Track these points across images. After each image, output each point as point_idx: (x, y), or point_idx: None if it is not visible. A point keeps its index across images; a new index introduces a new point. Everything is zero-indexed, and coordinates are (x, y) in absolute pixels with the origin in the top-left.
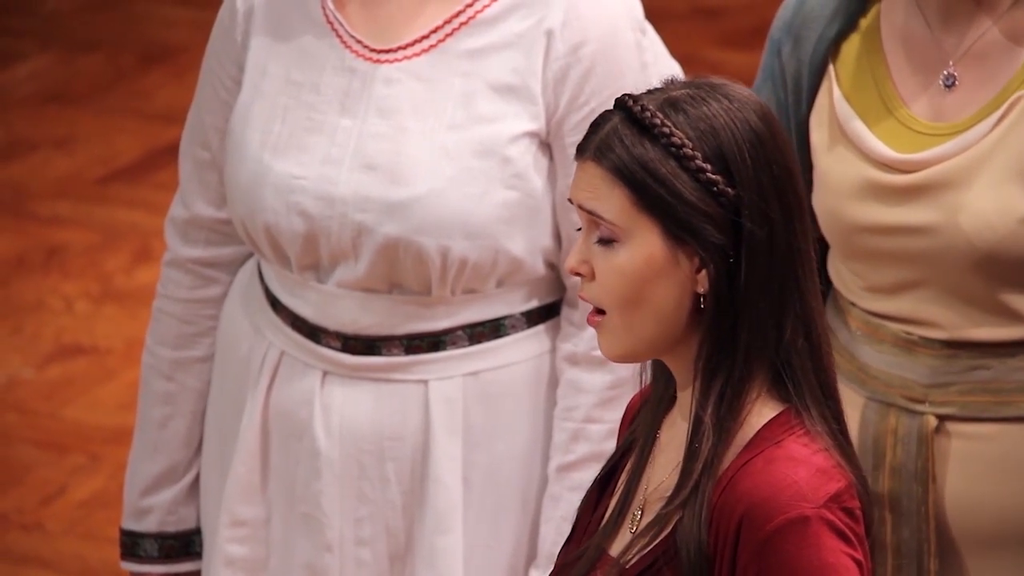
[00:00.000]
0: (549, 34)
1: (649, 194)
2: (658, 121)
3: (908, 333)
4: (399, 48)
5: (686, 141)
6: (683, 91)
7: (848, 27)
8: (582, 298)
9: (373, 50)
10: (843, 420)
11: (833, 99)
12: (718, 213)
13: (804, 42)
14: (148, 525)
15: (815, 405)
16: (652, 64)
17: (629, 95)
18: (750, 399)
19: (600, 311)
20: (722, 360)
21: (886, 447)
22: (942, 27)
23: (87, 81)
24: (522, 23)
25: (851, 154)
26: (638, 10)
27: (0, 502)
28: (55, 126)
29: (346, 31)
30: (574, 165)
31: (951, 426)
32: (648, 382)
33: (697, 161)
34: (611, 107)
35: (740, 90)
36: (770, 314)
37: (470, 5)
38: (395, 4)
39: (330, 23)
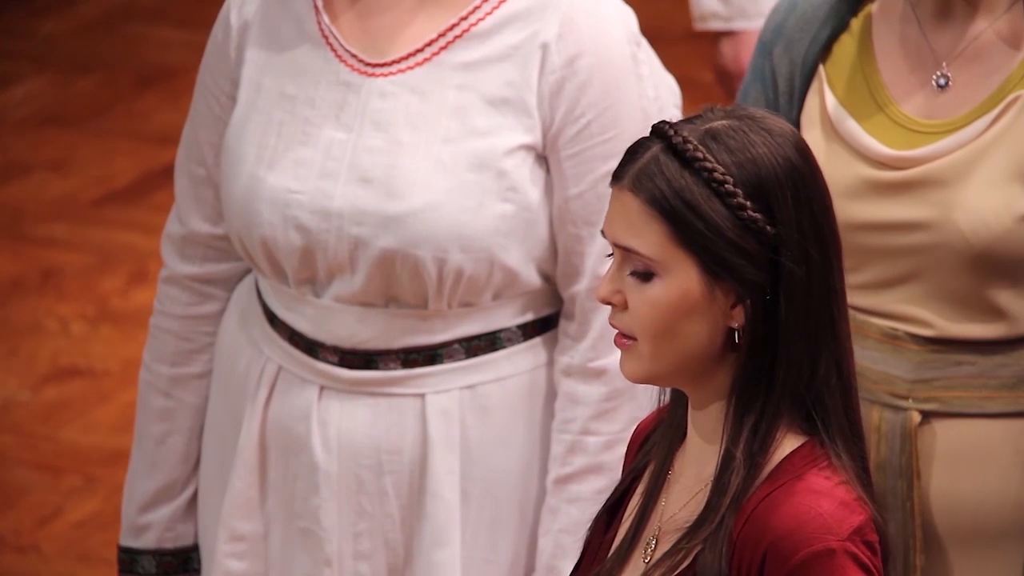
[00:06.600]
0: (544, 47)
1: (689, 230)
2: (700, 155)
3: (894, 329)
4: (393, 61)
5: (728, 177)
6: (723, 122)
7: (840, 29)
8: (613, 326)
9: (367, 63)
10: (867, 460)
11: (824, 99)
12: (757, 251)
13: (797, 44)
14: (146, 542)
15: (843, 443)
16: (648, 76)
17: (667, 122)
18: (780, 434)
19: (630, 336)
20: (755, 396)
21: (871, 444)
22: (935, 29)
23: (83, 103)
24: (517, 36)
25: (844, 152)
26: (633, 23)
27: None
28: (51, 148)
29: (340, 44)
30: (571, 178)
31: (935, 422)
32: (664, 404)
33: (739, 199)
34: (647, 134)
35: (779, 124)
36: (806, 352)
37: (464, 18)
38: (389, 17)
39: (324, 37)
